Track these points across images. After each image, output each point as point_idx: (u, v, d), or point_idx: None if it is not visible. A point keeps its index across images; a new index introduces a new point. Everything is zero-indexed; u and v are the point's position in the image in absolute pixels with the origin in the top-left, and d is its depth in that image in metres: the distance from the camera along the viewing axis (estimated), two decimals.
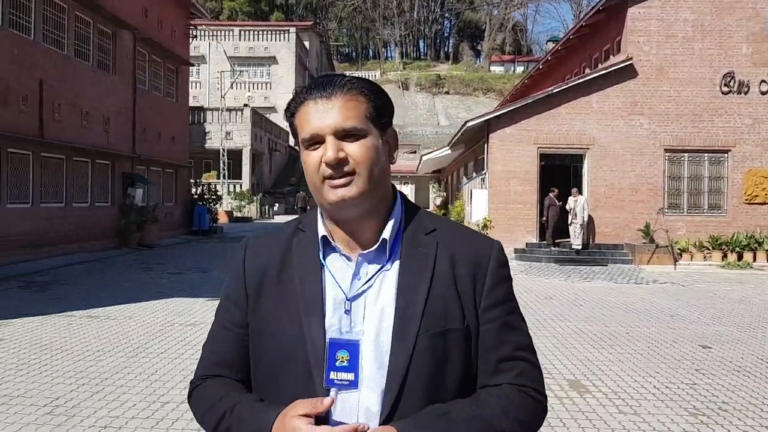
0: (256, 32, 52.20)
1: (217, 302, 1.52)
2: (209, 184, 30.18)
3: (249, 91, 46.60)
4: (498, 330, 1.25)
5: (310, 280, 1.26)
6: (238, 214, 35.86)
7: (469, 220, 20.30)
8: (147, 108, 22.32)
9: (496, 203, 18.64)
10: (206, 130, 37.35)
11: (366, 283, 1.24)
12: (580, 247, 17.80)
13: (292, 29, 52.70)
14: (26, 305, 9.95)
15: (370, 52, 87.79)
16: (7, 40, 14.77)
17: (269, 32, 52.38)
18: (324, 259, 1.28)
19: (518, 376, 1.25)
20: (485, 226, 18.26)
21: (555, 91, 18.66)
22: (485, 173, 19.09)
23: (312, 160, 1.22)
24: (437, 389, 1.19)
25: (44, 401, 5.40)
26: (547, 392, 5.39)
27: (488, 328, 1.25)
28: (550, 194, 18.39)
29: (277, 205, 40.54)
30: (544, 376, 6.18)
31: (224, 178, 36.29)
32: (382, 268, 1.24)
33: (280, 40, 51.67)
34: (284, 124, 33.05)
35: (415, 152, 49.49)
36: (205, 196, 27.13)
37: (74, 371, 6.32)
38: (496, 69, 73.15)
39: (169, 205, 24.67)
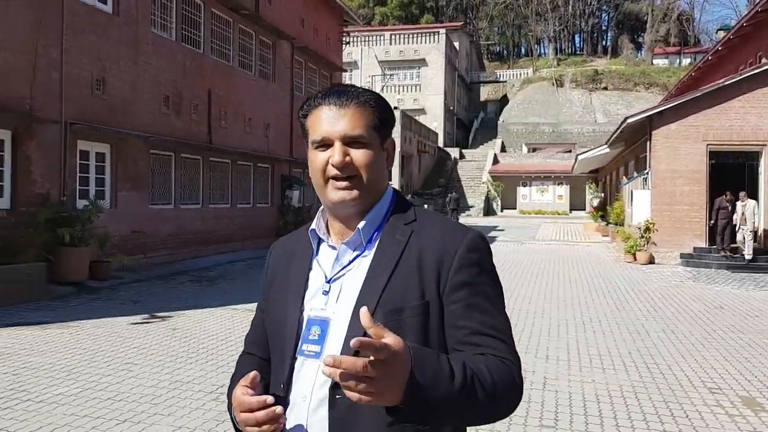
0: (406, 35, 52.93)
1: None
2: None
3: (399, 93, 47.37)
4: (463, 310, 1.30)
5: (300, 267, 1.43)
6: None
7: (630, 222, 19.10)
8: None
9: (659, 205, 17.38)
10: None
11: (344, 267, 1.37)
12: (750, 257, 16.10)
13: (442, 30, 52.80)
14: (196, 298, 10.73)
15: (522, 50, 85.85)
16: (180, 54, 16.08)
17: (419, 35, 52.88)
18: (317, 249, 1.44)
19: (490, 348, 1.27)
20: (647, 229, 17.09)
21: (727, 83, 17.03)
22: (647, 173, 17.86)
23: (319, 160, 1.36)
24: None
25: (210, 388, 5.72)
26: (718, 409, 4.76)
27: (452, 309, 1.30)
28: (723, 197, 16.81)
29: (426, 206, 40.79)
30: (717, 391, 5.50)
31: None
32: (360, 254, 1.37)
33: (429, 42, 51.97)
34: (434, 126, 33.21)
35: (569, 151, 47.66)
36: None
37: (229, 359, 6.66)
38: (660, 62, 68.47)
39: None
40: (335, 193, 1.35)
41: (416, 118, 44.40)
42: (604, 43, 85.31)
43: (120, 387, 5.70)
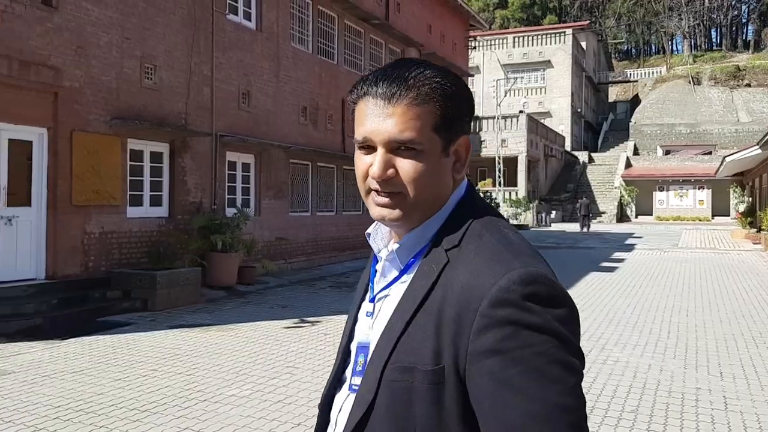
0: (530, 37, 51.82)
1: None
2: (487, 191, 30.57)
3: (524, 97, 46.39)
4: (491, 387, 0.93)
5: (366, 272, 1.23)
6: (514, 222, 35.74)
7: None
8: None
9: None
10: (482, 139, 38.00)
11: (387, 287, 1.13)
12: None
13: (568, 31, 51.21)
14: (340, 304, 10.90)
15: (653, 47, 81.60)
16: (316, 66, 16.57)
17: (544, 36, 51.59)
18: (377, 254, 1.18)
19: None
20: None
21: None
22: None
23: (362, 165, 1.09)
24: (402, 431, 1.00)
25: None
26: None
27: (477, 384, 0.95)
28: None
29: (553, 212, 39.60)
30: None
31: (500, 185, 36.52)
32: (398, 277, 1.11)
33: (555, 43, 50.56)
34: (560, 129, 32.17)
35: (710, 153, 44.59)
36: None
37: None
38: None
39: None
40: (374, 209, 1.08)
41: (542, 121, 43.28)
42: (744, 36, 79.42)
43: (287, 390, 5.81)
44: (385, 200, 1.06)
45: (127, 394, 5.63)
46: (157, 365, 6.64)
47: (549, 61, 50.43)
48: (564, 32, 51.17)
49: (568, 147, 48.74)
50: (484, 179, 39.35)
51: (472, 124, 1.26)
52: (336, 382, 1.19)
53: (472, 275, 0.99)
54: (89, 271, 10.23)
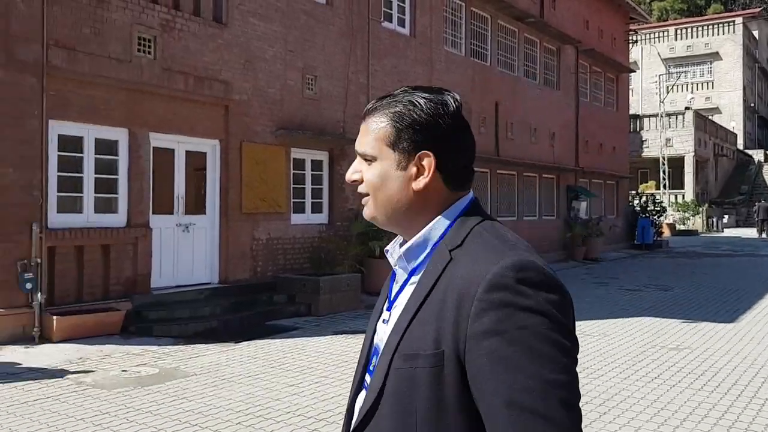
0: (694, 29, 48.07)
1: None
2: (651, 195, 28.55)
3: (689, 92, 43.01)
4: (489, 366, 1.02)
5: (383, 290, 1.34)
6: (682, 227, 33.11)
7: None
8: (588, 119, 22.19)
9: None
10: (643, 138, 35.67)
11: (399, 293, 1.24)
12: None
13: (738, 19, 46.91)
14: None
15: None
16: (469, 69, 16.24)
17: (710, 27, 47.64)
18: (394, 274, 1.30)
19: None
20: None
21: None
22: None
23: None
24: (405, 415, 1.09)
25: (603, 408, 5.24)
26: None
27: (476, 364, 1.03)
28: None
29: (726, 216, 36.21)
30: None
31: (664, 188, 34.00)
32: (408, 280, 1.23)
33: (722, 34, 46.50)
34: (731, 126, 29.38)
35: None
36: (648, 208, 25.68)
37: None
38: None
39: (611, 218, 24.03)
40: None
41: (709, 117, 39.86)
42: None
43: None
44: (363, 200, 1.25)
45: (303, 401, 5.59)
46: (327, 372, 6.60)
47: (717, 53, 46.46)
48: (733, 21, 46.93)
49: (740, 145, 44.52)
50: (646, 182, 36.87)
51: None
52: (357, 389, 1.27)
53: (470, 266, 1.09)
54: (257, 276, 10.59)
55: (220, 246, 10.16)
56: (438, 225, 1.20)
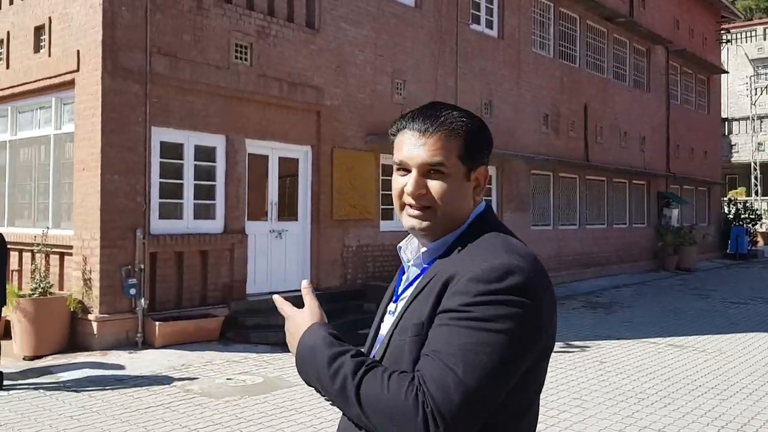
0: None
1: None
2: (743, 202, 27.05)
3: None
4: (434, 330, 1.21)
5: (391, 284, 1.50)
6: None
7: None
8: (679, 123, 21.18)
9: None
10: (732, 143, 33.90)
11: (407, 288, 1.39)
12: None
13: None
14: (603, 327, 9.96)
15: None
16: (557, 71, 15.71)
17: None
18: (405, 266, 1.46)
19: (420, 368, 1.19)
20: None
21: None
22: None
23: (398, 184, 1.37)
24: None
25: None
26: None
27: (434, 327, 1.22)
28: None
29: None
30: None
31: (756, 194, 32.16)
32: (417, 277, 1.38)
33: None
34: None
35: None
36: (741, 216, 24.29)
37: (699, 404, 5.63)
38: None
39: (703, 226, 22.84)
40: (407, 220, 1.35)
41: None
42: None
43: (582, 427, 5.13)
44: (417, 212, 1.33)
45: None
46: None
47: None
48: None
49: None
50: (735, 188, 34.98)
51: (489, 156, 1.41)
52: None
53: (468, 257, 1.27)
54: (347, 284, 10.46)
55: (312, 252, 10.08)
56: (457, 231, 1.35)
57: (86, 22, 7.97)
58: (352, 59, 10.66)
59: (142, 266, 7.87)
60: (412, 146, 1.32)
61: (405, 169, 1.34)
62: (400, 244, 1.45)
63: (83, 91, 8.01)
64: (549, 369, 5.38)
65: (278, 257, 9.75)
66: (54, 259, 8.38)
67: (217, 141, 9.00)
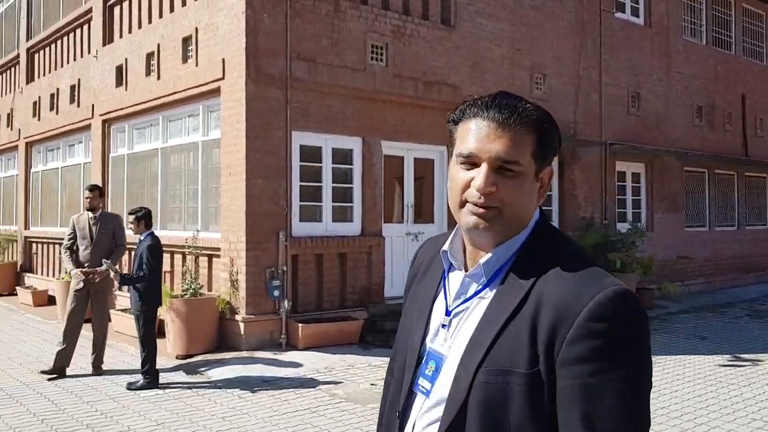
0: None
1: None
2: None
3: None
4: (572, 391, 1.07)
5: (430, 284, 1.33)
6: None
7: None
8: None
9: None
10: None
11: (465, 302, 1.23)
12: None
13: None
14: None
15: None
16: (711, 59, 14.41)
17: None
18: (447, 270, 1.30)
19: None
20: None
21: None
22: None
23: (461, 178, 1.20)
24: (496, 427, 1.11)
25: None
26: None
27: (562, 387, 1.08)
28: None
29: None
30: None
31: None
32: (480, 291, 1.22)
33: None
34: None
35: None
36: None
37: None
38: None
39: None
40: (469, 217, 1.19)
41: None
42: None
43: None
44: (482, 211, 1.17)
45: None
46: None
47: None
48: None
49: None
50: None
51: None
52: (409, 392, 1.27)
53: (570, 287, 1.10)
54: None
55: None
56: (521, 236, 1.21)
57: (230, 31, 8.19)
58: (488, 55, 10.28)
59: (285, 268, 7.94)
60: (486, 136, 1.17)
61: (472, 163, 1.18)
62: (444, 248, 1.29)
63: (228, 98, 8.23)
64: (719, 385, 4.71)
65: None
66: (203, 261, 8.68)
67: (353, 143, 8.95)
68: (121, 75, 10.63)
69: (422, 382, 1.24)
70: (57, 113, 12.78)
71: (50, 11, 13.75)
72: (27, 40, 14.43)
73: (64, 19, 12.77)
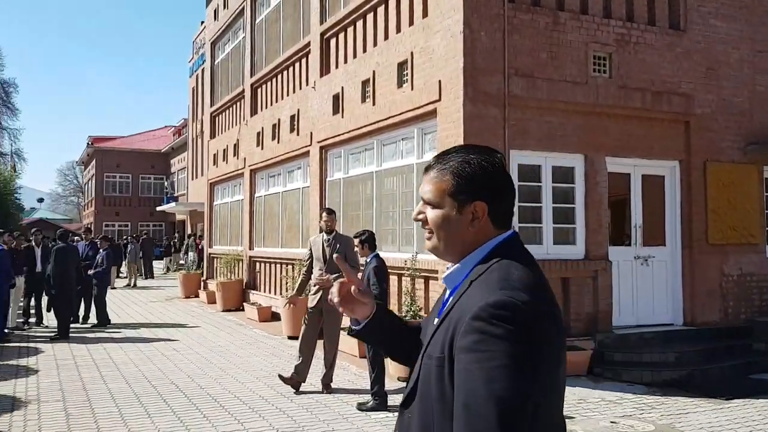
0: None
1: None
2: None
3: None
4: (458, 374, 1.33)
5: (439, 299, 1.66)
6: None
7: None
8: None
9: None
10: None
11: (441, 310, 1.52)
12: None
13: None
14: None
15: None
16: None
17: None
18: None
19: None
20: None
21: None
22: None
23: None
24: (425, 398, 1.44)
25: None
26: None
27: (455, 369, 1.34)
28: None
29: None
30: None
31: None
32: (446, 300, 1.53)
33: None
34: None
35: None
36: None
37: None
38: None
39: None
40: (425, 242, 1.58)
41: None
42: None
43: None
44: (426, 234, 1.57)
45: None
46: None
47: None
48: None
49: None
50: None
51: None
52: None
53: (474, 296, 1.37)
54: (728, 319, 8.95)
55: (683, 282, 8.85)
56: (474, 257, 1.49)
57: (446, 52, 8.15)
58: (724, 59, 9.24)
59: None
60: (423, 182, 1.57)
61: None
62: (447, 266, 1.59)
63: (445, 120, 8.17)
64: None
65: (644, 286, 8.75)
66: (419, 283, 8.66)
67: (575, 161, 8.45)
68: (337, 103, 11.12)
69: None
70: (278, 142, 13.73)
71: (271, 48, 14.89)
72: (251, 76, 15.76)
73: (284, 54, 13.74)
